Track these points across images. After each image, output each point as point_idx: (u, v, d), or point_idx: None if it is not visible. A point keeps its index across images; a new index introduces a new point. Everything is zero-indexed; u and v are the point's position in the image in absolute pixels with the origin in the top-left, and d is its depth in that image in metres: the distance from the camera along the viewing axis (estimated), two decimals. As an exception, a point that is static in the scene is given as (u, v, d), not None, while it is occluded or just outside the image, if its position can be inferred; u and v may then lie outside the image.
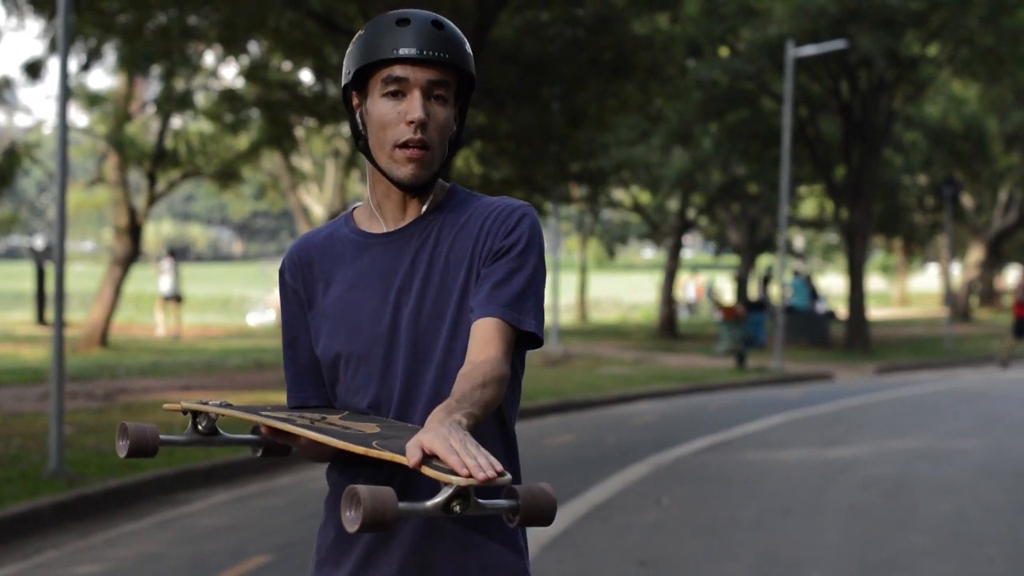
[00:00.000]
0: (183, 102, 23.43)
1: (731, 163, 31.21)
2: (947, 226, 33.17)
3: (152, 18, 18.94)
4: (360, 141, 2.43)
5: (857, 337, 28.12)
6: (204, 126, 26.61)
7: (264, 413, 2.38)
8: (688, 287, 47.82)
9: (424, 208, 2.43)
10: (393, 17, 2.37)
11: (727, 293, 41.44)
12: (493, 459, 2.00)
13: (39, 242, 42.86)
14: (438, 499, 1.99)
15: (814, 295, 32.05)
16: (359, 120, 2.43)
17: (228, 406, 2.40)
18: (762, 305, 28.77)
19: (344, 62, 2.43)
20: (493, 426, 2.37)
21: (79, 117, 34.87)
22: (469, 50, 2.41)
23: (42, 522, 8.30)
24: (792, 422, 14.77)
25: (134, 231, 23.04)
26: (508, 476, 2.00)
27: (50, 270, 24.30)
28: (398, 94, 2.36)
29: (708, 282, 41.20)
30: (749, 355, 23.88)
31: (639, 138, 28.83)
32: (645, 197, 37.64)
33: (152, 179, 23.68)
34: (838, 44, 24.17)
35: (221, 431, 2.45)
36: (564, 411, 15.99)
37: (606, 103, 21.85)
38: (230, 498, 9.54)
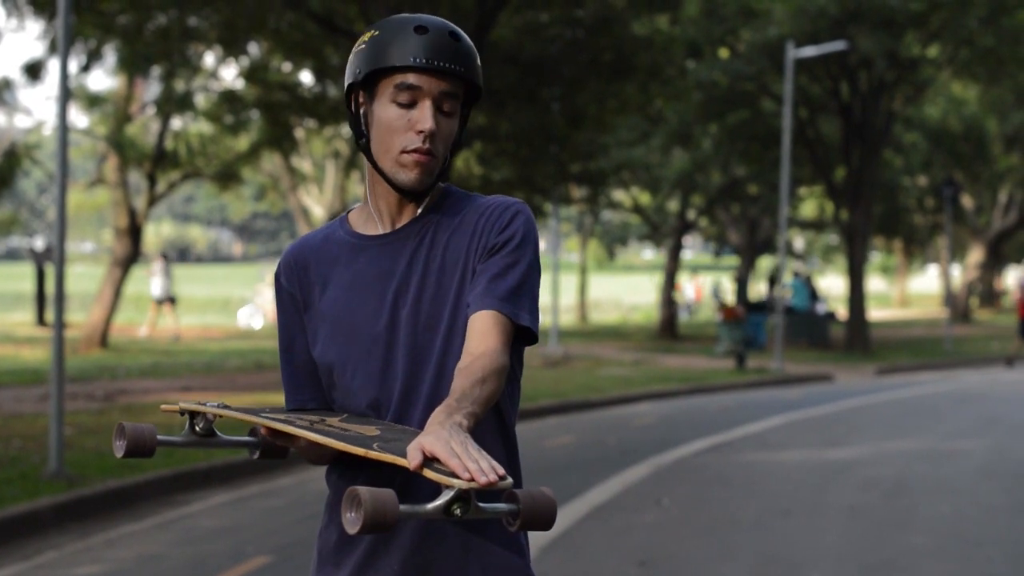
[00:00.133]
0: (183, 103, 23.42)
1: (731, 164, 31.22)
2: (947, 227, 33.18)
3: (152, 19, 18.95)
4: (362, 140, 2.43)
5: (857, 338, 28.13)
6: (204, 127, 26.60)
7: (263, 415, 2.38)
8: (687, 288, 47.81)
9: (420, 210, 2.44)
10: (410, 23, 2.36)
11: (729, 294, 41.44)
12: (495, 463, 2.00)
13: (39, 243, 42.88)
14: (439, 502, 1.99)
15: (814, 296, 32.06)
16: (362, 120, 2.43)
17: (226, 407, 2.40)
18: (765, 306, 28.78)
19: (352, 59, 2.42)
20: (494, 427, 2.37)
21: (79, 118, 34.83)
22: (479, 62, 2.41)
23: (42, 523, 8.30)
24: (792, 423, 14.78)
25: (134, 232, 23.03)
26: (510, 480, 2.00)
27: (50, 271, 24.30)
28: (409, 101, 2.36)
29: (714, 282, 41.23)
30: (749, 356, 23.88)
31: (639, 139, 28.84)
32: (645, 198, 37.65)
33: (152, 180, 23.68)
34: (838, 45, 24.18)
35: (218, 432, 2.45)
36: (564, 412, 15.99)
37: (606, 104, 21.85)
38: (230, 499, 9.54)
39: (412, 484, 2.23)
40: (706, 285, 51.74)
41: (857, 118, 27.74)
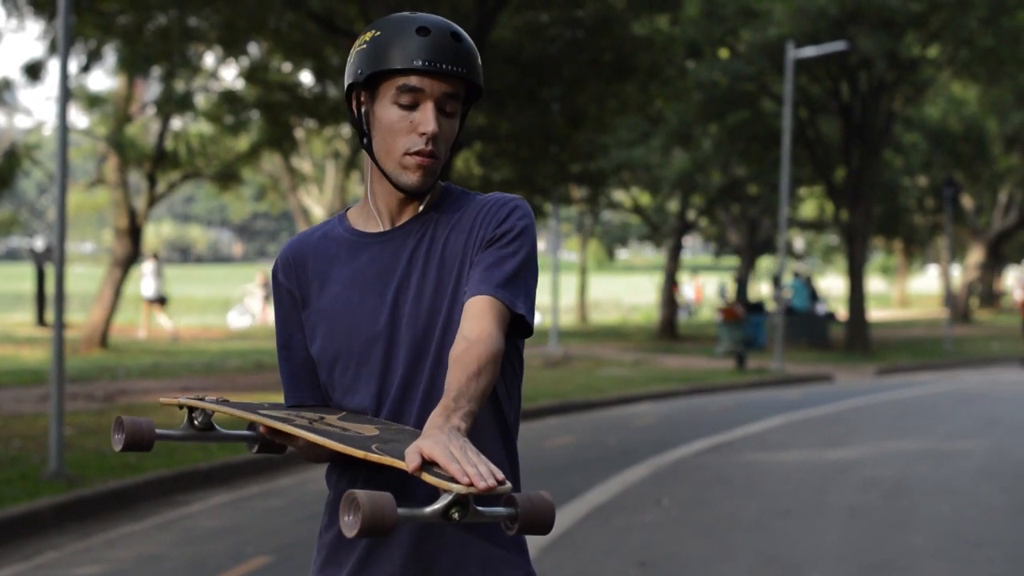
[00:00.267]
0: (183, 103, 23.42)
1: (731, 164, 31.21)
2: (947, 227, 33.17)
3: (152, 19, 18.96)
4: (364, 139, 2.43)
5: (857, 338, 28.12)
6: (204, 127, 26.60)
7: (262, 412, 2.37)
8: (686, 288, 47.79)
9: (420, 208, 2.44)
10: (412, 24, 2.35)
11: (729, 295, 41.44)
12: (494, 467, 2.00)
13: (39, 243, 42.87)
14: (437, 506, 1.99)
15: (814, 296, 32.05)
16: (363, 120, 2.43)
17: (225, 402, 2.40)
18: (764, 305, 28.78)
19: (352, 59, 2.41)
20: (494, 429, 2.37)
21: (79, 118, 34.82)
22: (480, 62, 2.41)
23: (42, 523, 8.29)
24: (792, 423, 14.78)
25: (134, 232, 23.03)
26: (508, 485, 1.99)
27: (50, 271, 24.30)
28: (411, 103, 2.36)
29: (720, 283, 41.24)
30: (749, 356, 23.88)
31: (639, 139, 28.83)
32: (645, 198, 37.64)
33: (152, 180, 23.67)
34: (838, 45, 24.17)
35: (217, 426, 2.45)
36: (564, 412, 15.99)
37: (606, 104, 21.85)
38: (230, 499, 9.54)
39: (411, 486, 2.23)
40: (706, 285, 51.72)
41: (857, 118, 27.73)
